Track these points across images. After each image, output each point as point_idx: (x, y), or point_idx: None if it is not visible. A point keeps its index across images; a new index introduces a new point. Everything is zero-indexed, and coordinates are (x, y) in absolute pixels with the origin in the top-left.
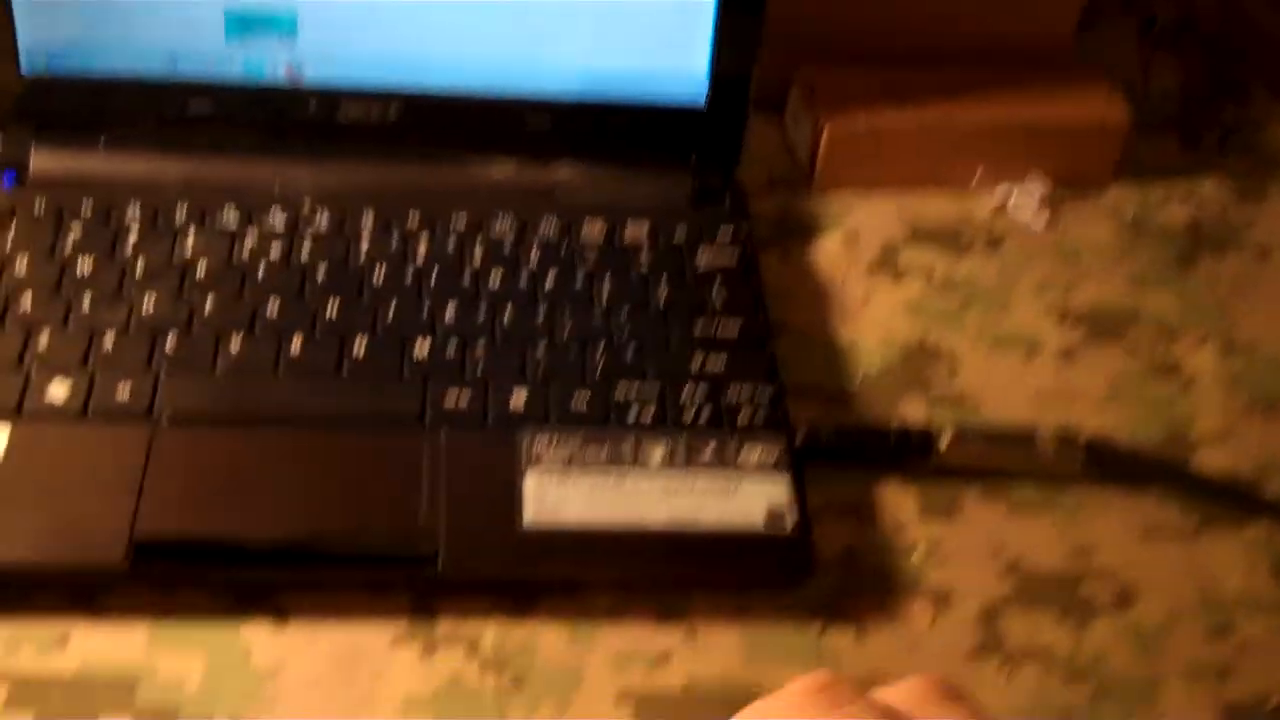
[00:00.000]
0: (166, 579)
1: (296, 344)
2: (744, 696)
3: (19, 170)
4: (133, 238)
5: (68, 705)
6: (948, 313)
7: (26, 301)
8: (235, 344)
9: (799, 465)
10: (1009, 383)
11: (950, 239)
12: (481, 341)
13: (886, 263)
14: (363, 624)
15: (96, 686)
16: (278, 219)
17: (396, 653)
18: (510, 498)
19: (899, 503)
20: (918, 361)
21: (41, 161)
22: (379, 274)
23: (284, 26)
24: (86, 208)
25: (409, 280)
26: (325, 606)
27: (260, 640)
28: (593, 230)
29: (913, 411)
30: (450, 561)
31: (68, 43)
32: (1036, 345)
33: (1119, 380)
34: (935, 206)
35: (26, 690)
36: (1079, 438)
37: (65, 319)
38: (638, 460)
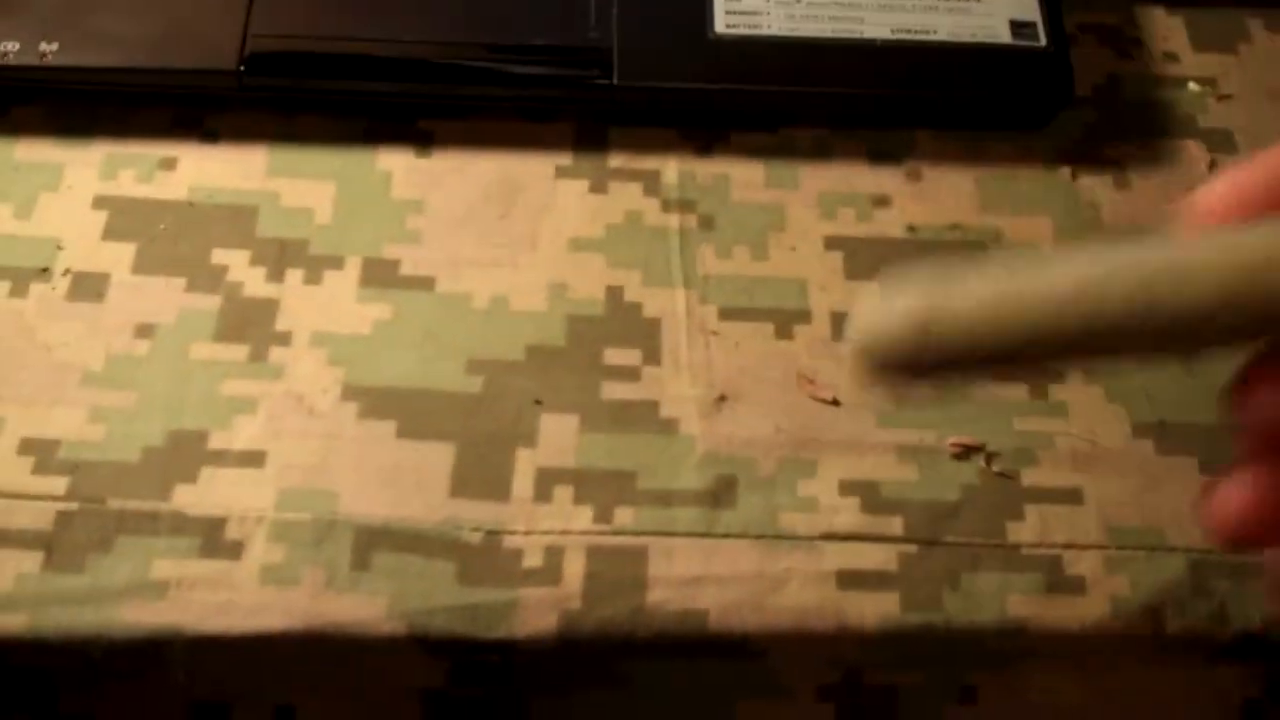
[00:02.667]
0: (287, 98)
1: None
2: (982, 246)
3: None
4: None
5: (178, 234)
6: None
7: None
8: None
9: None
10: None
11: None
12: None
13: None
14: (520, 155)
15: (211, 216)
16: None
17: (561, 187)
18: (697, 4)
19: (1168, 30)
20: None
21: None
22: None
23: None
24: None
25: None
26: (476, 133)
27: (401, 169)
28: None
29: None
30: (627, 72)
31: None
32: None
33: None
34: None
35: (129, 217)
36: None
37: None
38: None
